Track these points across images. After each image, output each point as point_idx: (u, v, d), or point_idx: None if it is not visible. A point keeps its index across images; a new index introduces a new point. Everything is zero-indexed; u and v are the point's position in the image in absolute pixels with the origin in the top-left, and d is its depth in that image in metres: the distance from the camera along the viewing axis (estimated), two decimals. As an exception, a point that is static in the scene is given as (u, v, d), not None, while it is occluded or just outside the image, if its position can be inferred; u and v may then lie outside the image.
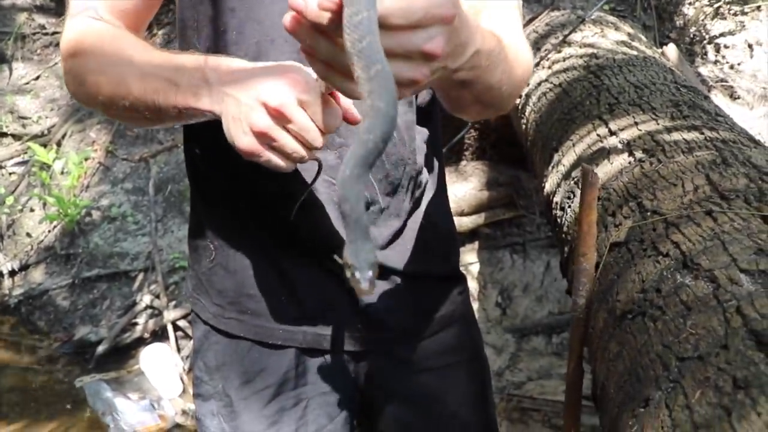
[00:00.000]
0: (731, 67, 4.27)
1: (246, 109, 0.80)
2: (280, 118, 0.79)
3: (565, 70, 2.29)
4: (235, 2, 0.99)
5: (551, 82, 2.26)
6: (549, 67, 2.45)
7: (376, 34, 0.59)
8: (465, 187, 3.26)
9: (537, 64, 2.50)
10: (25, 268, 4.04)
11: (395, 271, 1.13)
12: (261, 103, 0.79)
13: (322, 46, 0.65)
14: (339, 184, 0.59)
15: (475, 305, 3.12)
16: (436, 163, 1.21)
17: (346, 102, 0.84)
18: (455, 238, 1.31)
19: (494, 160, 3.40)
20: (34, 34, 5.04)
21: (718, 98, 4.12)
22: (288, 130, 0.80)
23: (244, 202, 1.10)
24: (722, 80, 4.23)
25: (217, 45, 1.01)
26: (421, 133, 1.14)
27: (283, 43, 0.99)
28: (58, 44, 4.99)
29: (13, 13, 5.06)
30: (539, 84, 2.39)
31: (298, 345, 1.13)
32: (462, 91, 0.88)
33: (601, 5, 2.73)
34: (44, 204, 4.16)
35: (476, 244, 3.34)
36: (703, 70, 4.23)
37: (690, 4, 4.31)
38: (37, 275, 3.99)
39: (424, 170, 1.16)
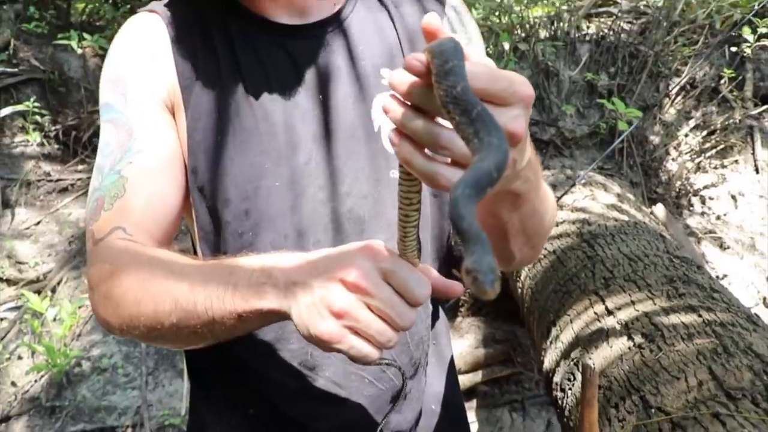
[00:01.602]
0: (718, 217, 4.39)
1: (321, 290, 0.70)
2: (361, 293, 0.69)
3: (558, 236, 2.34)
4: (248, 204, 1.00)
5: (545, 249, 2.31)
6: (543, 231, 2.51)
7: (467, 80, 0.58)
8: (461, 345, 3.23)
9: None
10: (6, 419, 3.88)
11: None
12: (338, 280, 0.70)
13: (419, 125, 0.62)
14: (451, 205, 0.56)
15: (475, 470, 2.99)
16: (444, 328, 1.20)
17: (433, 274, 0.76)
18: (466, 420, 1.26)
19: (490, 316, 3.39)
20: (39, 180, 5.17)
21: (709, 249, 4.20)
22: (372, 308, 0.70)
23: (255, 407, 1.05)
24: (711, 231, 4.33)
25: (236, 247, 1.00)
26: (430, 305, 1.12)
27: (297, 238, 1.00)
28: (61, 191, 5.13)
29: (22, 161, 5.21)
30: (534, 248, 2.43)
31: None
32: (512, 212, 0.83)
33: (590, 169, 2.84)
34: (33, 353, 4.07)
35: (474, 403, 3.25)
36: (692, 222, 4.34)
37: (673, 160, 4.50)
38: (19, 428, 3.83)
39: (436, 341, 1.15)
